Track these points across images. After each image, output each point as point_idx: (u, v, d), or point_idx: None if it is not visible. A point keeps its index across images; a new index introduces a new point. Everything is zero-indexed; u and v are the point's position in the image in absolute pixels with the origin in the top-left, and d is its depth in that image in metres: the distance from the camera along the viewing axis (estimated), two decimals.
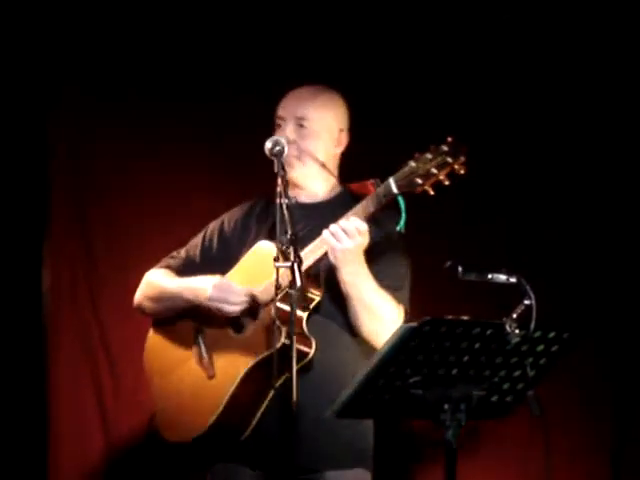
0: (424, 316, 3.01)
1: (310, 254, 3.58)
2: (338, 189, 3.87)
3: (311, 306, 3.63)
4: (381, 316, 3.63)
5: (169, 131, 4.91)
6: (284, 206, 3.33)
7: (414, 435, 4.90)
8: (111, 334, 4.90)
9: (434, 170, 3.44)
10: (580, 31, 4.89)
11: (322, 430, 3.59)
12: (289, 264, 3.26)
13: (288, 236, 3.30)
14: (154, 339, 3.96)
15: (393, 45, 4.91)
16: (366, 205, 3.53)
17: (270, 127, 3.86)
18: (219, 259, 3.87)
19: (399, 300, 3.69)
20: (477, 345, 3.05)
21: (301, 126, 3.78)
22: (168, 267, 3.95)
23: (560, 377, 3.75)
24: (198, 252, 3.92)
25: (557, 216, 4.91)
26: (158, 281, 3.90)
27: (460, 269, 3.28)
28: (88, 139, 4.91)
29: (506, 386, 3.16)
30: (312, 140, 3.78)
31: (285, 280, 3.48)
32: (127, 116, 4.91)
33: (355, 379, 3.12)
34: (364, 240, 3.53)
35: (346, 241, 3.49)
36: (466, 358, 3.06)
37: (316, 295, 3.63)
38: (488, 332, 3.04)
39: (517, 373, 3.13)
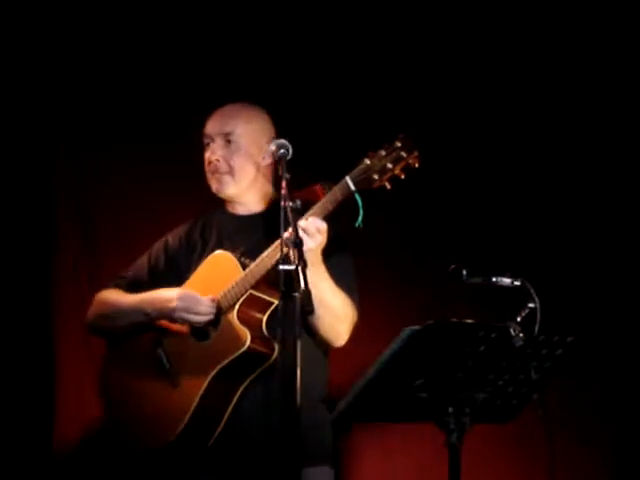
0: (428, 319, 3.01)
1: (267, 259, 3.61)
2: (275, 199, 3.89)
3: (269, 310, 3.66)
4: (338, 313, 3.67)
5: (171, 143, 4.95)
6: (288, 209, 3.32)
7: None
8: None
9: (390, 165, 3.50)
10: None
11: (292, 430, 3.58)
12: (293, 267, 3.24)
13: (292, 239, 3.28)
14: (109, 359, 3.97)
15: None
16: (324, 205, 3.55)
17: None
18: (167, 276, 3.89)
19: (351, 295, 3.72)
20: (481, 348, 3.04)
21: (228, 142, 3.83)
22: (118, 287, 3.96)
23: (565, 379, 3.76)
24: (146, 271, 3.95)
25: (561, 219, 4.91)
26: (113, 299, 3.93)
27: (464, 272, 3.29)
28: (91, 139, 4.95)
29: (510, 389, 3.15)
30: (240, 154, 3.82)
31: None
32: (131, 126, 4.96)
33: (358, 382, 3.12)
34: (324, 239, 3.55)
35: (307, 241, 3.48)
36: (470, 361, 3.05)
37: (273, 299, 3.64)
38: (492, 335, 3.03)
39: (521, 376, 3.13)
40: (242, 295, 3.64)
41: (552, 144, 4.91)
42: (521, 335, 3.03)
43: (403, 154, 3.50)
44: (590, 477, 4.90)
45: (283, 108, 4.00)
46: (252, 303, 3.66)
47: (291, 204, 3.33)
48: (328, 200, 3.55)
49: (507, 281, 3.24)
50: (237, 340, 3.60)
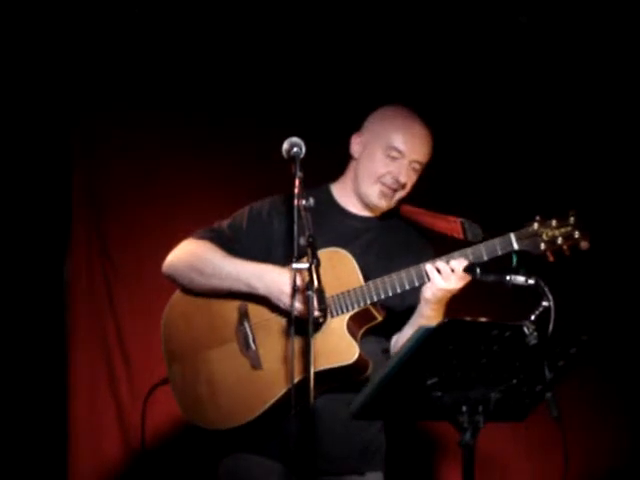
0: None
1: (398, 280, 3.57)
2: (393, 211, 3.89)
3: (369, 325, 3.64)
4: None
5: (183, 141, 4.98)
6: (302, 208, 3.29)
7: (424, 436, 4.92)
8: (126, 328, 4.96)
9: (560, 240, 3.48)
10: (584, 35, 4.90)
11: (350, 433, 3.59)
12: (306, 265, 3.22)
13: (306, 238, 3.26)
14: (181, 307, 3.81)
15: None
16: (478, 251, 3.52)
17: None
18: (251, 240, 3.78)
19: None
20: (495, 347, 3.03)
21: (414, 169, 3.79)
22: (212, 241, 3.78)
23: (577, 377, 3.75)
24: (245, 225, 3.81)
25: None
26: (211, 256, 3.74)
27: (478, 270, 3.28)
28: (106, 143, 4.99)
29: (524, 388, 3.15)
30: (414, 179, 3.81)
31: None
32: (144, 124, 4.98)
33: (373, 380, 3.12)
34: (456, 287, 3.53)
35: (454, 282, 3.49)
36: (484, 360, 3.04)
37: (379, 316, 3.64)
38: (506, 334, 3.02)
39: (535, 375, 3.12)
40: (359, 306, 3.60)
41: (569, 142, 4.93)
42: (535, 334, 3.02)
43: (576, 233, 3.47)
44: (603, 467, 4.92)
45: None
46: (361, 315, 3.60)
47: (304, 202, 3.31)
48: (485, 249, 3.53)
49: (521, 279, 3.22)
50: (344, 350, 3.54)
